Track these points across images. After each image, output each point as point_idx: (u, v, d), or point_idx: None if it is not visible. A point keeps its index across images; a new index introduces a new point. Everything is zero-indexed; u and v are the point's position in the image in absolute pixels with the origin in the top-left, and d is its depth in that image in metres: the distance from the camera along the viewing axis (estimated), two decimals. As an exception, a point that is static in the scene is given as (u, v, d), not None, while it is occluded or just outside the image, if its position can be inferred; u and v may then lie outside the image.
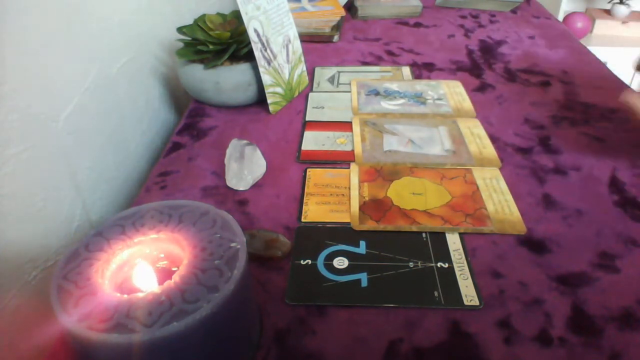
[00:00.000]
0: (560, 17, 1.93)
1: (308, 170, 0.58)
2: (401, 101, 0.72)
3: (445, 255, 0.45)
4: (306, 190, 0.54)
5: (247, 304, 0.36)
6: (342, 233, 0.48)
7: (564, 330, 0.39)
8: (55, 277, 0.32)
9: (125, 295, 0.30)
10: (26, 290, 0.42)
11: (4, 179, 0.40)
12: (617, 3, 1.98)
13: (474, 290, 0.42)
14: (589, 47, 0.93)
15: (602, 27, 2.00)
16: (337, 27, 0.98)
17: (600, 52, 1.80)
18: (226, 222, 0.36)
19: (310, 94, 0.75)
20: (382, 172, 0.57)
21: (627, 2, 1.96)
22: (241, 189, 0.54)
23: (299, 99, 0.74)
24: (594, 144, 0.62)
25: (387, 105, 0.71)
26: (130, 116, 0.64)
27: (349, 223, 0.49)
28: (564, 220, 0.50)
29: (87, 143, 0.53)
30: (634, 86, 1.77)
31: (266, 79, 0.67)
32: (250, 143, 0.57)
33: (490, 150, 0.60)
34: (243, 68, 0.67)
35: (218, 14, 0.71)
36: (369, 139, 0.63)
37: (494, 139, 0.63)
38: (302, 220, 0.50)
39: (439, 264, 0.44)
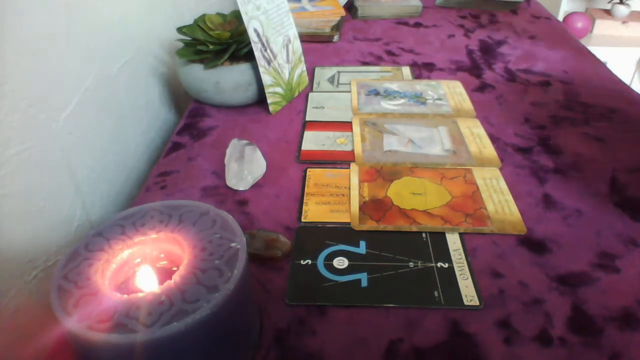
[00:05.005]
0: (560, 17, 1.93)
1: (308, 170, 0.58)
2: (401, 101, 0.72)
3: (445, 255, 0.45)
4: (306, 190, 0.54)
5: (247, 304, 0.36)
6: (342, 233, 0.48)
7: (564, 330, 0.39)
8: (55, 277, 0.32)
9: (125, 295, 0.30)
10: (26, 290, 0.42)
11: (4, 179, 0.40)
12: (617, 3, 1.98)
13: (474, 290, 0.42)
14: (589, 47, 0.93)
15: (602, 27, 2.00)
16: (337, 27, 0.98)
17: (600, 52, 1.80)
18: (226, 222, 0.36)
19: (310, 94, 0.75)
20: (382, 172, 0.57)
21: (627, 2, 1.96)
22: (241, 189, 0.54)
23: (299, 99, 0.74)
24: (594, 144, 0.62)
25: (387, 105, 0.71)
26: (130, 116, 0.64)
27: (349, 223, 0.49)
28: (564, 220, 0.50)
29: (87, 143, 0.53)
30: (634, 86, 1.77)
31: (266, 79, 0.67)
32: (250, 143, 0.57)
33: (490, 150, 0.60)
34: (243, 68, 0.67)
35: (218, 14, 0.71)
36: (369, 139, 0.63)
37: (494, 139, 0.63)
38: (302, 220, 0.50)
39: (439, 264, 0.44)
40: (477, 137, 0.63)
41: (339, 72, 0.82)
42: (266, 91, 0.68)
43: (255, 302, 0.40)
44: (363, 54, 0.90)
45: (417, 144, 0.62)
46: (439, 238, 0.47)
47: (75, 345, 0.31)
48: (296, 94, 0.75)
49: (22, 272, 0.42)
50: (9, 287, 0.40)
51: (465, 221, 0.49)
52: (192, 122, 0.68)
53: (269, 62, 0.67)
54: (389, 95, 0.74)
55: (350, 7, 1.13)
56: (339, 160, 0.59)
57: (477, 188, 0.54)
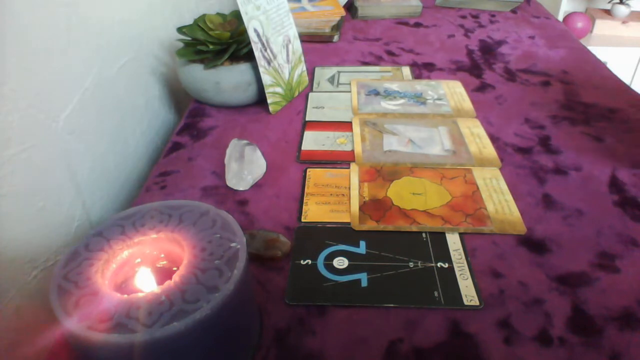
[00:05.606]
0: (560, 17, 1.93)
1: (308, 170, 0.58)
2: (401, 101, 0.72)
3: (445, 255, 0.45)
4: (306, 190, 0.54)
5: (247, 304, 0.36)
6: (342, 233, 0.48)
7: (564, 330, 0.39)
8: (55, 277, 0.32)
9: (125, 295, 0.30)
10: (26, 290, 0.42)
11: (4, 179, 0.40)
12: (617, 3, 1.98)
13: (474, 290, 0.42)
14: (589, 47, 0.93)
15: (602, 27, 2.00)
16: (337, 27, 0.98)
17: (600, 52, 1.80)
18: (226, 222, 0.36)
19: (310, 94, 0.75)
20: (382, 172, 0.57)
21: (627, 2, 1.96)
22: (241, 189, 0.54)
23: (299, 99, 0.74)
24: (594, 144, 0.62)
25: (387, 105, 0.71)
26: (130, 116, 0.64)
27: (349, 223, 0.49)
28: (564, 220, 0.50)
29: (87, 143, 0.53)
30: (634, 86, 1.77)
31: (266, 79, 0.67)
32: (250, 143, 0.57)
33: (490, 150, 0.60)
34: (243, 68, 0.67)
35: (218, 14, 0.72)
36: (369, 139, 0.63)
37: (494, 139, 0.63)
38: (302, 220, 0.50)
39: (439, 264, 0.44)
40: (477, 137, 0.63)
41: (339, 72, 0.82)
42: (266, 91, 0.68)
43: (255, 302, 0.40)
44: (363, 54, 0.90)
45: (417, 144, 0.62)
46: (439, 238, 0.47)
47: (75, 345, 0.31)
48: (296, 94, 0.75)
49: (22, 272, 0.42)
50: (9, 287, 0.40)
51: (465, 221, 0.49)
52: (192, 122, 0.68)
53: (269, 62, 0.67)
54: (389, 95, 0.74)
55: (350, 7, 1.13)
56: (339, 160, 0.59)
57: (477, 188, 0.54)
